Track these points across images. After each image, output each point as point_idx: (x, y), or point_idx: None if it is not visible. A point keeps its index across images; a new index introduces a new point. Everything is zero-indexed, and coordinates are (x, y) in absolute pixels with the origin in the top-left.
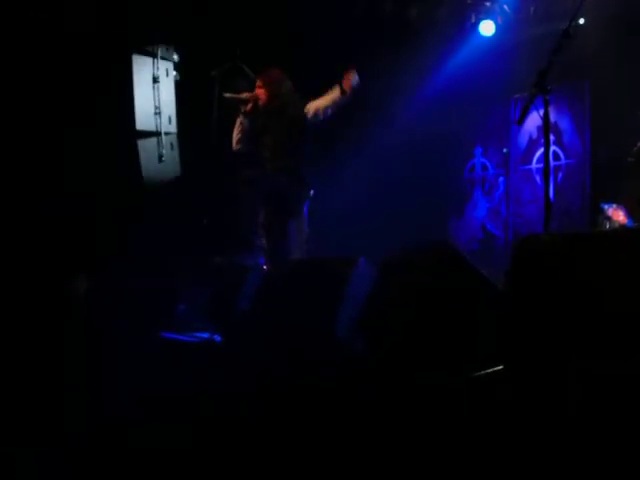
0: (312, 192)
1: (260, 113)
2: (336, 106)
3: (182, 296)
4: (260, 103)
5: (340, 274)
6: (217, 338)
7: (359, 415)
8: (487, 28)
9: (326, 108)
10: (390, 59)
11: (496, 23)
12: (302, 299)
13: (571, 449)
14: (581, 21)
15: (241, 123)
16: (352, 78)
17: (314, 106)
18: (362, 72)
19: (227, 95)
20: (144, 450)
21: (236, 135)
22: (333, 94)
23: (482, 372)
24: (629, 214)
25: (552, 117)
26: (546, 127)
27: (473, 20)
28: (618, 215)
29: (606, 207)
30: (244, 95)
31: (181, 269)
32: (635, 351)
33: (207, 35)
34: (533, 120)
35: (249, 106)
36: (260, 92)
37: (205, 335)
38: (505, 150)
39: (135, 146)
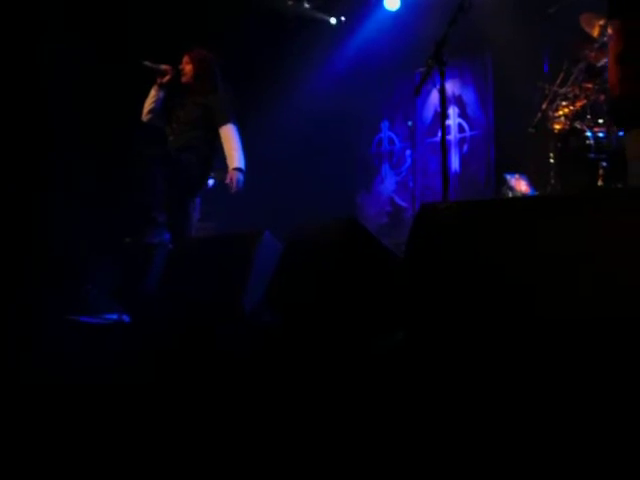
0: (212, 180)
1: (177, 89)
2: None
3: (90, 278)
4: (183, 79)
5: (246, 248)
6: (126, 319)
7: (272, 386)
8: (392, 2)
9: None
10: (293, 35)
11: None
12: (209, 275)
13: (465, 417)
14: None
15: (155, 94)
16: (234, 184)
17: (224, 136)
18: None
19: (146, 63)
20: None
21: (148, 105)
22: (230, 161)
23: (383, 340)
24: (531, 184)
25: (457, 90)
26: (442, 98)
27: None
28: (520, 185)
29: (509, 177)
30: (163, 66)
31: (88, 250)
32: (527, 318)
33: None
34: (438, 94)
35: (166, 78)
36: (187, 68)
37: (114, 316)
38: (410, 123)
39: None
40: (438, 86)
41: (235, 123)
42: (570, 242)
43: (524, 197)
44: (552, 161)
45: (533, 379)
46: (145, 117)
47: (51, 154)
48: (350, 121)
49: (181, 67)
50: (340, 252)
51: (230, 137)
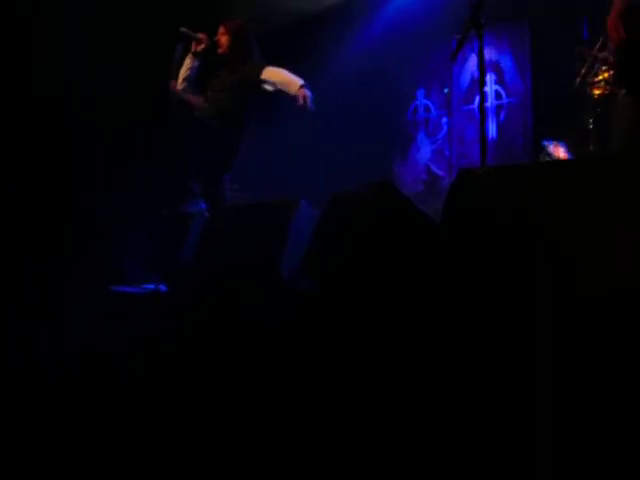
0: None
1: (212, 58)
2: (282, 93)
3: (127, 248)
4: (219, 50)
5: (282, 216)
6: (162, 288)
7: (310, 354)
8: None
9: (277, 85)
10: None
11: None
12: (246, 243)
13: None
14: None
15: (190, 63)
16: (307, 101)
17: (271, 74)
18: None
19: (183, 29)
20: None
21: (183, 74)
22: (291, 86)
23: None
24: (569, 150)
25: (494, 56)
26: (481, 63)
27: None
28: (559, 151)
29: (547, 144)
30: (199, 35)
31: (125, 221)
32: (568, 286)
33: None
34: (475, 60)
35: (202, 46)
36: (223, 39)
37: (151, 286)
38: (446, 90)
39: None
40: (476, 50)
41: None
42: (614, 204)
43: (561, 161)
44: (591, 127)
45: (568, 359)
46: (180, 86)
47: (87, 125)
48: (386, 89)
49: (217, 38)
50: (376, 215)
51: (276, 71)
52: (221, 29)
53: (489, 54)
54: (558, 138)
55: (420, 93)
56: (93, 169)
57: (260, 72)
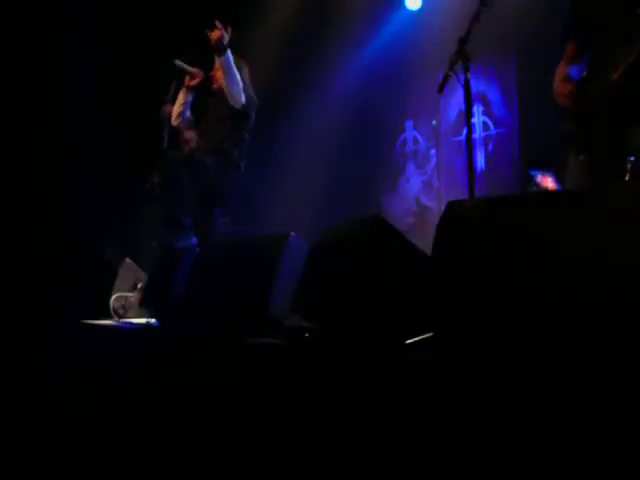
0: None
1: (205, 92)
2: (226, 75)
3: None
4: (214, 85)
5: (272, 251)
6: (154, 323)
7: (300, 391)
8: (413, 1)
9: (225, 83)
10: (317, 35)
11: None
12: (236, 279)
13: (498, 414)
14: None
15: (184, 97)
16: (215, 35)
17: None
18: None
19: (178, 62)
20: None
21: (177, 108)
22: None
23: (414, 339)
24: (557, 180)
25: (481, 87)
26: (467, 92)
27: None
28: (547, 181)
29: (535, 174)
30: (194, 69)
31: (115, 256)
32: (558, 311)
33: None
34: (462, 92)
35: (196, 81)
36: (218, 74)
37: (142, 321)
38: (434, 122)
39: None
40: (463, 83)
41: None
42: (600, 237)
43: (549, 192)
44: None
45: (564, 383)
46: (175, 121)
47: (75, 156)
48: (374, 121)
49: (212, 73)
50: (367, 250)
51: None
52: (217, 65)
53: (476, 85)
54: (546, 168)
55: (409, 125)
56: (83, 200)
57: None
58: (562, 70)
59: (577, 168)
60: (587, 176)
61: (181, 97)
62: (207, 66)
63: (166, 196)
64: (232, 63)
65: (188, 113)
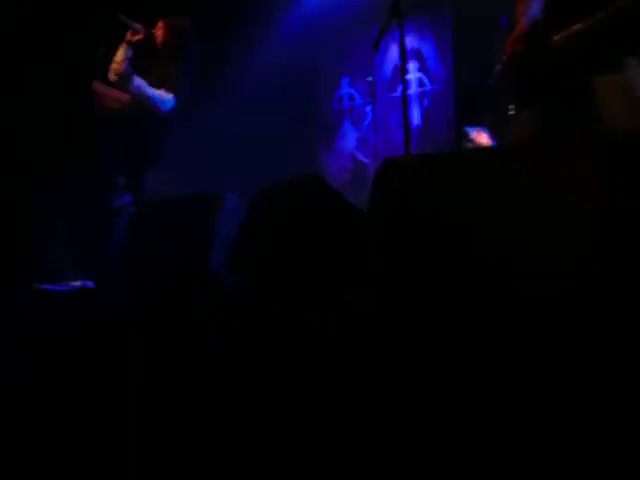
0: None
1: (143, 51)
2: (142, 99)
3: (53, 245)
4: (155, 44)
5: (209, 210)
6: (90, 285)
7: (238, 350)
8: None
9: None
10: None
11: None
12: (173, 238)
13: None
14: None
15: (123, 53)
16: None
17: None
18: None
19: (122, 17)
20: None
21: (117, 65)
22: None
23: (349, 296)
24: (492, 136)
25: (416, 44)
26: (403, 52)
27: None
28: (481, 137)
29: (469, 130)
30: (138, 25)
31: (50, 217)
32: (495, 270)
33: None
34: (397, 48)
35: (137, 37)
36: (159, 33)
37: (78, 283)
38: (370, 79)
39: None
40: (397, 40)
41: (176, 100)
42: (534, 192)
43: (482, 149)
44: (512, 113)
45: (497, 352)
46: (112, 77)
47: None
48: (309, 79)
49: (153, 31)
50: (304, 207)
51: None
52: (159, 23)
53: (411, 42)
54: (480, 124)
55: (344, 82)
56: (18, 163)
57: (167, 89)
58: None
59: (521, 120)
60: (520, 128)
61: (121, 52)
62: (149, 22)
63: (95, 156)
64: (142, 87)
65: (129, 69)
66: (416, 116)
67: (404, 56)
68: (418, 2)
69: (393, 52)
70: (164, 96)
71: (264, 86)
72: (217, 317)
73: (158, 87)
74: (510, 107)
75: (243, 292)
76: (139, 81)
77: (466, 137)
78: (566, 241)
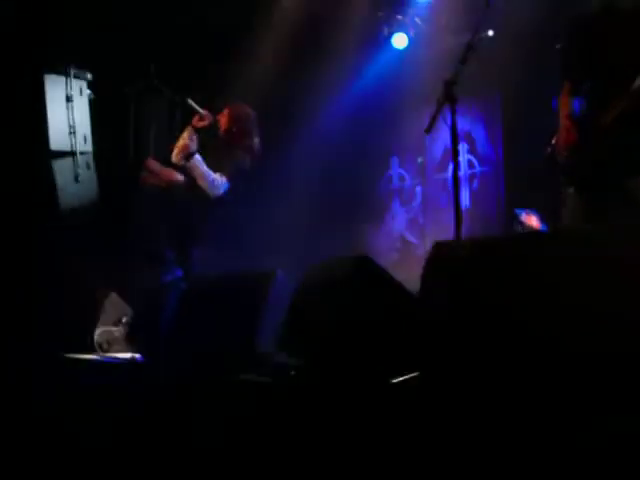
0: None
1: (206, 133)
2: (198, 178)
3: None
4: (219, 131)
5: (258, 288)
6: (139, 358)
7: (285, 429)
8: (400, 41)
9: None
10: (306, 74)
11: (409, 36)
12: (222, 315)
13: (487, 451)
14: (490, 33)
15: (188, 136)
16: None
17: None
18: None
19: (190, 101)
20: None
21: (182, 146)
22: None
23: (400, 378)
24: (542, 219)
25: (466, 126)
26: (454, 135)
27: (386, 33)
28: (531, 220)
29: (519, 212)
30: (204, 111)
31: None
32: (546, 350)
33: (121, 52)
34: (448, 130)
35: (203, 123)
36: (222, 120)
37: (127, 356)
38: (419, 160)
39: (50, 167)
40: (449, 123)
41: (229, 186)
42: (585, 276)
43: (536, 232)
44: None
45: (550, 418)
46: (176, 158)
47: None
48: (360, 159)
49: (218, 117)
50: (353, 289)
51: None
52: (226, 110)
53: (461, 124)
54: (530, 206)
55: (394, 162)
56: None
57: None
58: (564, 102)
59: (570, 202)
60: (578, 208)
61: (186, 135)
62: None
63: (145, 231)
64: (200, 168)
65: (193, 151)
66: (465, 198)
67: (455, 140)
68: (469, 86)
69: (443, 133)
70: (218, 180)
71: (313, 164)
72: (265, 394)
73: (214, 171)
74: (563, 190)
75: (292, 370)
76: (199, 162)
77: (516, 219)
78: (616, 323)
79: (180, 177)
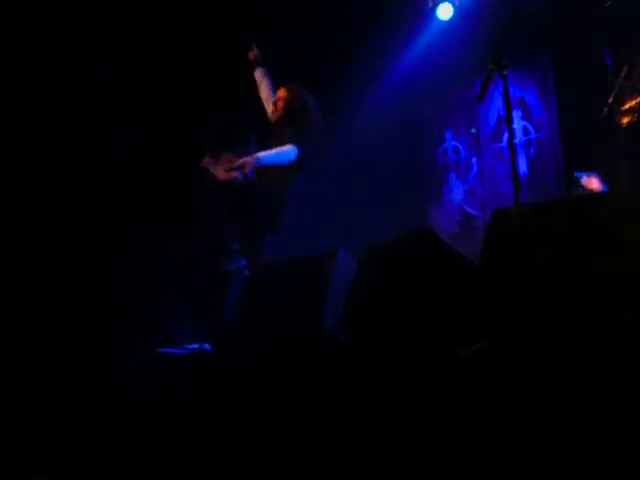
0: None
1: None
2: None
3: (170, 309)
4: (273, 114)
5: (321, 268)
6: (207, 347)
7: (353, 406)
8: (445, 12)
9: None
10: (353, 50)
11: (454, 5)
12: (286, 298)
13: (562, 420)
14: None
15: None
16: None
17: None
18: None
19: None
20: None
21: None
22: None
23: (465, 351)
24: (603, 180)
25: (518, 92)
26: (507, 102)
27: (431, 5)
28: (591, 183)
29: (579, 176)
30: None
31: (166, 282)
32: (607, 313)
33: None
34: (500, 98)
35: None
36: (281, 98)
37: (194, 346)
38: (473, 130)
39: None
40: (501, 89)
41: (297, 145)
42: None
43: (593, 195)
44: (622, 155)
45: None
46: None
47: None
48: (414, 133)
49: (274, 100)
50: (415, 264)
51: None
52: (280, 92)
53: (513, 91)
54: (590, 169)
55: (448, 135)
56: (131, 226)
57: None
58: None
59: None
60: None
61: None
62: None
63: (212, 224)
64: (268, 159)
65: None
66: (523, 165)
67: (509, 107)
68: (517, 51)
69: (496, 102)
70: (283, 150)
71: (369, 142)
72: (331, 376)
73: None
74: (620, 150)
75: (357, 348)
76: (263, 158)
77: (576, 183)
78: None
79: (238, 175)
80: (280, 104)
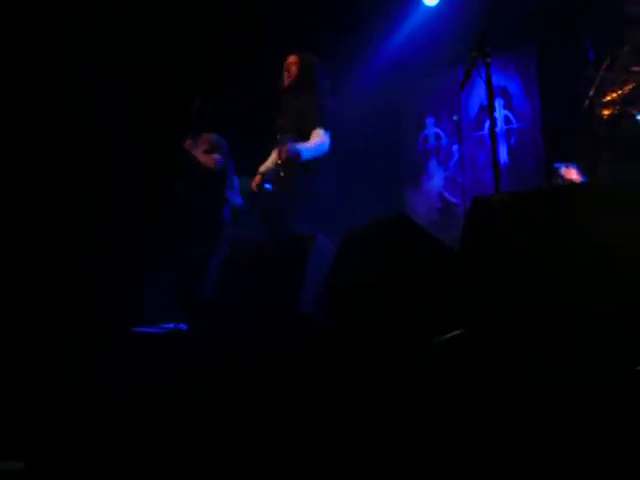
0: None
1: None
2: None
3: (146, 288)
4: (286, 81)
5: (300, 251)
6: (182, 327)
7: (331, 388)
8: None
9: None
10: (335, 35)
11: None
12: (265, 280)
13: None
14: None
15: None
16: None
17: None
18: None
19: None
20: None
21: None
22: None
23: (443, 337)
24: (582, 172)
25: (501, 82)
26: (489, 90)
27: None
28: (570, 173)
29: (558, 166)
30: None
31: (143, 261)
32: (589, 304)
33: None
34: (483, 86)
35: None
36: (293, 67)
37: (170, 325)
38: (455, 117)
39: None
40: (484, 77)
41: (326, 129)
42: (626, 229)
43: (575, 185)
44: (602, 147)
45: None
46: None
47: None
48: (394, 120)
49: (286, 66)
50: (393, 248)
51: (313, 139)
52: (292, 58)
53: (496, 80)
54: (569, 160)
55: (430, 121)
56: (108, 206)
57: (311, 127)
58: None
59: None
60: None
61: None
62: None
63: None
64: (308, 154)
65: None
66: (503, 154)
67: (491, 95)
68: (502, 40)
69: (478, 90)
70: (316, 142)
71: (349, 127)
72: (309, 356)
73: (299, 126)
74: (599, 142)
75: (336, 331)
76: (298, 149)
77: (556, 173)
78: None
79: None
80: (293, 69)
